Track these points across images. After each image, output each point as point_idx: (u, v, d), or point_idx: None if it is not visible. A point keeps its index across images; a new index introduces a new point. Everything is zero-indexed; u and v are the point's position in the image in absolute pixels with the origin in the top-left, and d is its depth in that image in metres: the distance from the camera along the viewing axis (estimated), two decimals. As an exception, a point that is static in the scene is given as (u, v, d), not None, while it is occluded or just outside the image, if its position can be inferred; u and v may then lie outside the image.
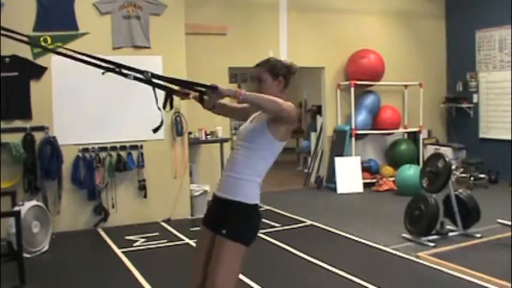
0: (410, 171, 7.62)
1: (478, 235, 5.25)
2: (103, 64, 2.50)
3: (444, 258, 4.53)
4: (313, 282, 4.22)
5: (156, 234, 5.76)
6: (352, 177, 8.14)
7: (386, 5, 8.89)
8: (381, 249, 5.00)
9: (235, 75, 10.08)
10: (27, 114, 5.75)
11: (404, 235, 5.32)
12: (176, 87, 2.63)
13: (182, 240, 5.51)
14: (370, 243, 5.19)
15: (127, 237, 5.60)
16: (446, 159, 5.45)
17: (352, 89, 8.30)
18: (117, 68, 2.48)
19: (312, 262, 4.63)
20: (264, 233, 5.65)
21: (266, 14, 8.00)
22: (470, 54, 8.99)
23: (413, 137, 8.92)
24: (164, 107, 2.60)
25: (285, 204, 7.14)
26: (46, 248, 5.18)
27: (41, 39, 5.73)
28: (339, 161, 8.18)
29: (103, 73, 2.53)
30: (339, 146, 8.39)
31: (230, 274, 2.47)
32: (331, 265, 4.47)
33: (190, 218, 6.44)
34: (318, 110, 9.15)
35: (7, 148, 5.56)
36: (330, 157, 8.52)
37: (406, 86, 8.91)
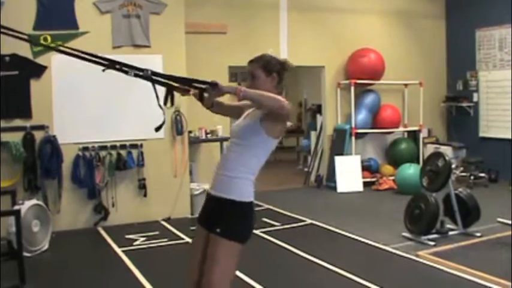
0: (411, 170, 7.62)
1: (478, 234, 5.26)
2: (103, 62, 2.50)
3: (444, 257, 4.53)
4: (313, 281, 4.22)
5: (156, 233, 5.76)
6: (352, 176, 8.14)
7: (386, 4, 8.88)
8: (381, 248, 5.00)
9: (235, 74, 10.08)
10: (27, 113, 5.75)
11: (404, 234, 5.33)
12: (176, 84, 2.62)
13: (182, 239, 5.51)
14: (370, 242, 5.19)
15: (127, 236, 5.60)
16: (446, 158, 5.45)
17: (352, 88, 8.30)
18: (118, 65, 2.48)
19: (312, 261, 4.63)
20: (264, 232, 5.66)
21: (266, 13, 8.00)
22: (470, 53, 8.99)
23: (414, 136, 8.92)
24: (165, 104, 2.60)
25: (285, 203, 7.14)
26: (46, 247, 5.18)
27: (41, 38, 5.73)
28: (339, 159, 8.18)
29: (103, 70, 2.52)
30: (339, 144, 8.39)
31: (226, 272, 2.47)
32: (331, 264, 4.47)
33: (190, 217, 6.44)
34: (318, 109, 9.15)
35: (7, 147, 5.56)
36: (330, 156, 8.52)
37: (406, 85, 8.90)
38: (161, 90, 2.60)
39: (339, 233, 5.63)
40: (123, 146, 6.19)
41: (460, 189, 5.55)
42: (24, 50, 5.66)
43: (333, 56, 8.46)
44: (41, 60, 5.80)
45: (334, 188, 8.09)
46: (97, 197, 6.06)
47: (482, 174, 8.19)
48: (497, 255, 4.63)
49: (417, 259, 4.62)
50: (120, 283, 4.28)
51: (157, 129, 2.79)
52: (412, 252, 4.78)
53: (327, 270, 4.37)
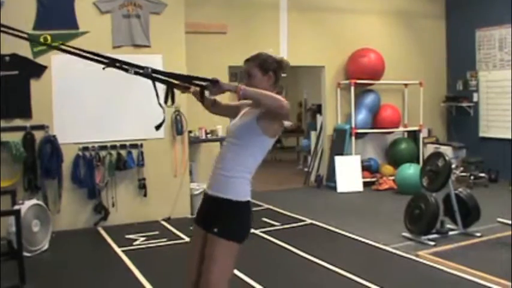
0: (410, 170, 7.62)
1: (478, 234, 5.26)
2: (104, 60, 2.50)
3: (444, 257, 4.53)
4: (313, 281, 4.22)
5: (156, 233, 5.76)
6: (352, 176, 8.14)
7: (386, 4, 8.88)
8: (381, 248, 5.00)
9: (235, 74, 10.06)
10: (27, 113, 5.76)
11: (404, 234, 5.32)
12: (177, 81, 2.61)
13: (182, 238, 5.51)
14: (370, 242, 5.19)
15: (127, 236, 5.60)
16: (446, 158, 5.45)
17: (352, 88, 8.30)
18: (118, 63, 2.48)
19: (312, 261, 4.63)
20: (264, 232, 5.66)
21: (266, 13, 8.00)
22: (470, 53, 8.99)
23: (414, 135, 8.92)
24: (166, 102, 2.59)
25: (285, 203, 7.14)
26: (46, 246, 5.18)
27: (41, 38, 5.73)
28: (339, 159, 8.18)
29: (104, 68, 2.52)
30: (339, 144, 8.39)
31: (224, 272, 2.46)
32: (331, 264, 4.47)
33: (190, 217, 6.44)
34: (318, 109, 9.16)
35: (7, 147, 5.56)
36: (330, 156, 8.52)
37: (406, 84, 8.90)
38: (161, 89, 2.59)
39: (339, 233, 5.62)
40: (123, 146, 6.19)
41: (460, 189, 5.55)
42: (24, 50, 5.67)
43: (333, 56, 8.46)
44: (41, 60, 5.80)
45: (334, 188, 8.09)
46: (97, 197, 6.06)
47: (482, 174, 8.19)
48: (497, 255, 4.63)
49: (417, 259, 4.62)
50: (120, 283, 4.28)
51: (158, 127, 2.79)
52: (412, 252, 4.78)
53: (327, 270, 4.37)
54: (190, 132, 6.84)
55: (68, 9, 5.92)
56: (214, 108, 2.80)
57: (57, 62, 5.81)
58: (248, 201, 2.54)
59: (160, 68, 5.99)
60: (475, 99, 8.99)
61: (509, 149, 8.12)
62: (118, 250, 5.12)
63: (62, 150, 5.83)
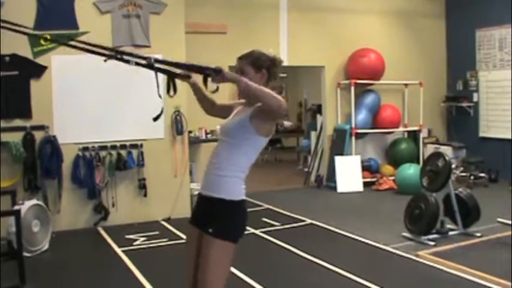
0: (411, 170, 7.62)
1: (478, 234, 5.26)
2: (106, 52, 2.50)
3: (444, 257, 4.53)
4: (313, 281, 4.22)
5: (156, 233, 5.76)
6: (352, 176, 8.14)
7: (386, 4, 8.89)
8: (381, 248, 5.00)
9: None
10: (27, 113, 5.76)
11: (404, 234, 5.33)
12: (178, 71, 2.60)
13: (182, 239, 5.49)
14: (370, 242, 5.19)
15: (127, 236, 5.60)
16: (447, 158, 5.45)
17: (352, 88, 8.30)
18: (119, 55, 2.48)
19: (312, 261, 4.63)
20: (264, 232, 5.66)
21: (266, 13, 8.00)
22: (470, 53, 8.99)
23: (414, 136, 8.92)
24: (168, 92, 2.59)
25: (285, 203, 7.14)
26: (46, 247, 5.18)
27: (41, 38, 5.73)
28: (339, 160, 8.18)
29: (105, 60, 2.51)
30: (339, 145, 8.39)
31: (220, 272, 2.45)
32: (331, 264, 4.47)
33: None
34: (318, 109, 9.15)
35: (7, 147, 5.56)
36: (330, 156, 8.51)
37: (406, 85, 8.90)
38: (161, 83, 2.58)
39: (339, 233, 5.63)
40: (123, 146, 6.19)
41: (460, 189, 5.55)
42: (24, 50, 5.67)
43: (333, 56, 8.46)
44: (41, 60, 5.80)
45: (334, 188, 8.09)
46: (97, 197, 6.06)
47: (482, 174, 8.19)
48: (497, 255, 4.63)
49: (417, 259, 4.62)
50: (120, 283, 4.28)
51: (156, 118, 2.78)
52: (412, 252, 4.78)
53: (327, 270, 4.37)
54: (190, 132, 6.84)
55: (68, 9, 5.92)
56: (213, 109, 2.80)
57: (57, 62, 5.81)
58: (242, 201, 2.52)
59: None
60: (475, 99, 8.99)
61: (509, 149, 8.12)
62: (118, 250, 5.12)
63: (62, 151, 5.83)
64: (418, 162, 8.38)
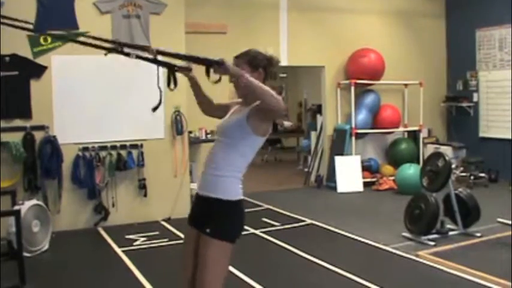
0: (411, 170, 7.62)
1: (478, 234, 5.26)
2: (107, 45, 2.51)
3: (444, 257, 4.53)
4: (313, 281, 4.22)
5: (157, 233, 5.76)
6: (352, 176, 8.14)
7: (386, 4, 8.89)
8: (381, 248, 5.00)
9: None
10: (27, 113, 5.75)
11: (404, 234, 5.33)
12: (178, 64, 2.60)
13: (182, 239, 5.48)
14: (370, 242, 5.19)
15: (127, 236, 5.60)
16: (447, 158, 5.45)
17: (352, 88, 8.30)
18: (120, 48, 2.49)
19: (312, 261, 4.63)
20: (264, 232, 5.66)
21: (266, 13, 8.00)
22: (470, 53, 8.99)
23: (414, 136, 8.92)
24: (169, 85, 2.59)
25: (285, 203, 7.14)
26: (46, 247, 5.18)
27: (41, 38, 5.73)
28: (339, 160, 8.18)
29: (106, 54, 2.52)
30: (339, 145, 8.39)
31: (218, 272, 2.45)
32: (331, 264, 4.47)
33: (191, 217, 6.44)
34: (318, 109, 9.15)
35: (7, 147, 5.56)
36: (330, 156, 8.51)
37: (406, 85, 8.90)
38: (162, 80, 2.59)
39: (339, 233, 5.63)
40: (123, 146, 6.19)
41: (460, 189, 5.55)
42: (24, 50, 5.67)
43: (333, 56, 8.46)
44: (41, 60, 5.80)
45: (334, 188, 8.09)
46: (97, 197, 6.06)
47: (482, 174, 8.19)
48: (497, 255, 4.63)
49: (417, 259, 4.62)
50: (120, 283, 4.29)
51: (154, 109, 2.79)
52: (412, 252, 4.78)
53: (327, 270, 4.37)
54: (190, 132, 6.84)
55: (68, 10, 5.92)
56: (209, 108, 2.79)
57: (57, 62, 5.81)
58: (240, 200, 2.51)
59: (160, 67, 6.00)
60: (475, 99, 8.99)
61: (509, 149, 8.12)
62: (118, 250, 5.12)
63: (62, 151, 5.83)
64: (418, 162, 8.38)
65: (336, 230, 5.73)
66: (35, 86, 5.79)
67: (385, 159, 8.85)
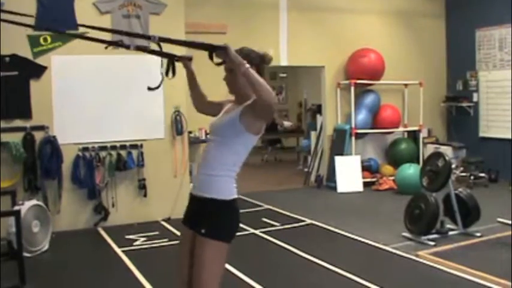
0: (411, 170, 7.62)
1: (478, 234, 5.26)
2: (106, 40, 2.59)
3: (444, 257, 4.53)
4: (313, 281, 4.22)
5: (156, 233, 5.76)
6: (352, 176, 8.14)
7: (386, 4, 8.89)
8: (380, 248, 5.00)
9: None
10: (27, 113, 5.76)
11: (404, 234, 5.33)
12: (179, 53, 2.65)
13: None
14: (370, 242, 5.19)
15: (127, 237, 5.60)
16: (446, 158, 5.45)
17: (352, 88, 8.30)
18: (120, 41, 2.56)
19: (311, 261, 4.63)
20: (263, 232, 5.66)
21: (266, 13, 8.00)
22: (470, 53, 8.99)
23: (414, 136, 8.92)
24: (167, 74, 2.63)
25: (285, 203, 7.14)
26: (46, 247, 5.18)
27: (41, 38, 5.74)
28: (339, 160, 8.18)
29: (106, 47, 2.58)
30: (339, 145, 8.39)
31: (214, 272, 2.45)
32: (331, 264, 4.47)
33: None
34: (318, 109, 9.15)
35: (7, 147, 5.56)
36: (330, 156, 8.51)
37: (406, 85, 8.90)
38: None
39: (339, 233, 5.63)
40: (123, 147, 6.19)
41: (460, 189, 5.55)
42: (24, 50, 5.68)
43: (333, 56, 8.46)
44: (40, 60, 5.80)
45: (334, 188, 8.09)
46: (97, 198, 6.06)
47: (482, 174, 8.19)
48: (497, 255, 4.63)
49: (417, 259, 4.62)
50: (120, 283, 4.29)
51: (151, 88, 2.83)
52: (412, 252, 4.78)
53: (327, 270, 4.37)
54: (190, 132, 6.84)
55: (68, 10, 5.92)
56: (203, 104, 2.84)
57: (57, 62, 5.81)
58: (234, 200, 2.50)
59: (160, 67, 6.00)
60: (475, 99, 8.99)
61: (509, 149, 8.12)
62: (118, 250, 5.13)
63: (62, 151, 5.83)
64: (418, 162, 8.38)
65: (336, 230, 5.73)
66: (34, 86, 5.79)
67: (385, 159, 8.85)
